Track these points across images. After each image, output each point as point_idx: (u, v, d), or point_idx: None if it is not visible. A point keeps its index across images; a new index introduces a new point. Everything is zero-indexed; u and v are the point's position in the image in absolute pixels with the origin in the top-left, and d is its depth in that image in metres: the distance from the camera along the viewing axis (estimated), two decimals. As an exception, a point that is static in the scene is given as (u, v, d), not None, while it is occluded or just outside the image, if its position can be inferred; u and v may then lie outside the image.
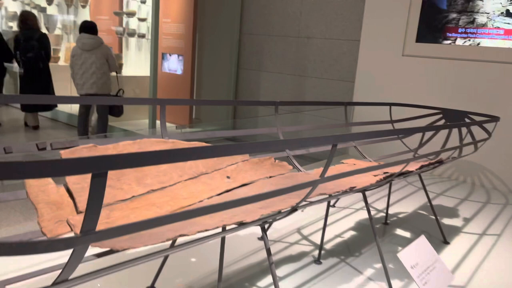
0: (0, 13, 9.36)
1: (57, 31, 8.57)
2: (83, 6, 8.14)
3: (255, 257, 2.43)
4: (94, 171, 0.74)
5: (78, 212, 1.48)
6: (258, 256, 2.45)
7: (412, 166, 2.48)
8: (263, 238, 1.64)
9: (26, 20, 5.90)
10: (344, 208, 3.34)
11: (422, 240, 1.73)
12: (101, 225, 1.49)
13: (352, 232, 2.90)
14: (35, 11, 8.04)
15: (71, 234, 1.36)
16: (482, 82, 4.33)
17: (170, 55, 6.53)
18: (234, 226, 1.56)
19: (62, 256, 2.06)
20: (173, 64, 6.51)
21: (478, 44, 4.38)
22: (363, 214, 3.24)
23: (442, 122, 3.24)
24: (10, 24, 9.07)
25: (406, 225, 3.12)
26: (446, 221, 3.24)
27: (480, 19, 4.35)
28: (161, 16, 5.98)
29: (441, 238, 2.86)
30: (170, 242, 1.85)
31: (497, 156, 4.25)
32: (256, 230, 2.70)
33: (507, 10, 4.20)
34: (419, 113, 3.31)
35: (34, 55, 5.59)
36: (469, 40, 4.42)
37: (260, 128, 2.67)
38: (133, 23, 7.22)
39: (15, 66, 6.75)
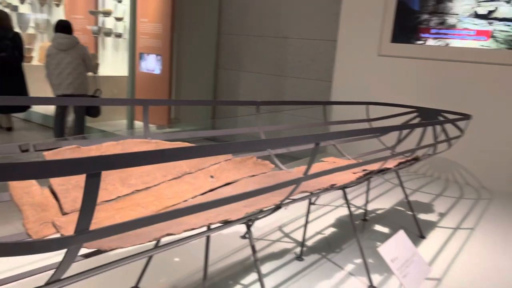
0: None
1: (30, 30, 8.38)
2: (57, 5, 7.99)
3: (238, 255, 2.45)
4: (89, 171, 0.76)
5: (63, 213, 1.48)
6: (241, 254, 2.47)
7: (390, 164, 2.56)
8: (249, 235, 1.67)
9: (-1, 19, 5.75)
10: (324, 206, 3.40)
11: (401, 234, 1.80)
12: (87, 226, 1.49)
13: (332, 229, 2.97)
14: (7, 10, 7.85)
15: (58, 236, 1.36)
16: (454, 81, 4.46)
17: (147, 54, 6.48)
18: (219, 224, 1.59)
19: (48, 258, 2.04)
20: (151, 64, 6.47)
21: (447, 44, 4.52)
22: (343, 211, 3.31)
23: (417, 120, 3.34)
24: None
25: (384, 221, 3.20)
26: (422, 216, 3.34)
27: (450, 20, 4.49)
28: (138, 16, 5.93)
29: (417, 233, 2.95)
30: (154, 242, 1.87)
31: (469, 153, 4.40)
32: (239, 229, 2.73)
33: (475, 12, 4.36)
34: (395, 111, 3.40)
35: (7, 55, 5.46)
36: (439, 40, 4.56)
37: (240, 127, 2.70)
38: (109, 23, 7.13)
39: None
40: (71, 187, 1.55)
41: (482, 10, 4.32)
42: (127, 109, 5.62)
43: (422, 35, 4.66)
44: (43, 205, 1.46)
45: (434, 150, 2.98)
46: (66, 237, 0.80)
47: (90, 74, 5.28)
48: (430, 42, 4.60)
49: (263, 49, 6.02)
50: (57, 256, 1.89)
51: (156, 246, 1.80)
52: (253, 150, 2.37)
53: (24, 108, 6.18)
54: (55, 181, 1.53)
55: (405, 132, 3.37)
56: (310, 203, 2.61)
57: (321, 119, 3.40)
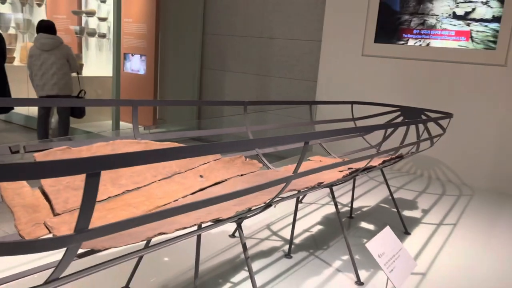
0: None
1: (11, 30, 8.25)
2: (39, 5, 7.88)
3: (228, 254, 2.48)
4: (89, 171, 0.77)
5: (55, 214, 1.49)
6: (230, 253, 2.50)
7: (375, 162, 2.61)
8: (239, 233, 1.70)
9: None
10: (310, 204, 3.45)
11: (387, 230, 1.85)
12: (79, 227, 1.50)
13: (319, 227, 3.01)
14: (-14, 10, 7.71)
15: (50, 236, 1.37)
16: (435, 80, 4.57)
17: (132, 55, 6.45)
18: (210, 223, 1.61)
19: (40, 258, 2.04)
20: (136, 64, 6.44)
21: (428, 44, 4.62)
22: (329, 209, 3.36)
23: (400, 119, 3.41)
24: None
25: (370, 218, 3.26)
26: (406, 213, 3.41)
27: (430, 20, 4.60)
28: (123, 16, 5.90)
29: (402, 229, 3.01)
30: (145, 242, 1.88)
31: (450, 151, 4.50)
32: (227, 228, 2.75)
33: (454, 12, 4.46)
34: (378, 110, 3.46)
35: (-12, 56, 5.37)
36: (420, 40, 4.65)
37: (226, 127, 2.73)
38: (92, 23, 7.07)
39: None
40: (62, 188, 1.56)
41: (460, 11, 4.43)
42: (112, 110, 5.59)
43: (404, 35, 4.75)
44: (35, 206, 1.47)
45: (417, 148, 3.06)
46: (66, 236, 0.82)
47: (74, 74, 5.23)
48: (412, 42, 4.69)
49: (248, 49, 6.05)
50: (49, 256, 1.89)
51: (147, 246, 1.81)
52: (243, 150, 2.40)
53: (7, 110, 6.08)
54: (46, 182, 1.54)
55: (389, 130, 3.44)
56: (298, 201, 2.65)
57: (305, 118, 3.45)
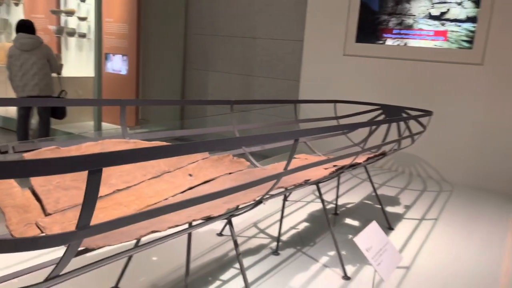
0: None
1: (-13, 30, 8.06)
2: (16, 4, 7.72)
3: (216, 252, 2.50)
4: (91, 168, 0.79)
5: (46, 214, 1.48)
6: (219, 251, 2.52)
7: (360, 159, 2.67)
8: (230, 230, 1.72)
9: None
10: (295, 202, 3.49)
11: (374, 225, 1.90)
12: (71, 226, 1.51)
13: (305, 224, 3.05)
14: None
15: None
16: (414, 79, 4.67)
17: (113, 55, 6.39)
18: (201, 221, 1.63)
19: (33, 258, 2.02)
20: (117, 64, 6.38)
21: (405, 44, 4.73)
22: (314, 206, 3.41)
23: (382, 117, 3.48)
24: None
25: (354, 214, 3.32)
26: (389, 209, 3.49)
27: (407, 21, 4.70)
28: (103, 16, 5.83)
29: (386, 225, 3.08)
30: (135, 241, 1.88)
31: (430, 148, 4.61)
32: (215, 227, 2.77)
33: (429, 13, 4.58)
34: (361, 109, 3.52)
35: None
36: (400, 40, 4.75)
37: (210, 127, 2.74)
38: (72, 22, 6.96)
39: None
40: (53, 188, 1.55)
41: (435, 12, 4.55)
42: (94, 110, 5.52)
43: (385, 35, 4.84)
44: (25, 206, 1.46)
45: (399, 146, 3.13)
46: (68, 233, 0.83)
47: (54, 75, 5.15)
48: (392, 42, 4.78)
49: (231, 49, 6.06)
50: (42, 256, 1.87)
51: (137, 245, 1.82)
52: (235, 147, 2.42)
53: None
54: (36, 182, 1.53)
55: (372, 128, 3.51)
56: (285, 199, 2.68)
57: (288, 117, 3.48)
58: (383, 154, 2.94)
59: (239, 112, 5.90)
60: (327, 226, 3.00)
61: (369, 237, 1.80)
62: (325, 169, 2.47)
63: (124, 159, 0.83)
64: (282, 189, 2.13)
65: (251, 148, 2.62)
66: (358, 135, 3.38)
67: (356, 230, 2.99)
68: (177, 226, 1.50)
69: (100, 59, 5.39)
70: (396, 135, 3.25)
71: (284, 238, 2.77)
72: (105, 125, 5.66)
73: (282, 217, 2.60)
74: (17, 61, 4.65)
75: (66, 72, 6.64)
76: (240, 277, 2.22)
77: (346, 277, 2.31)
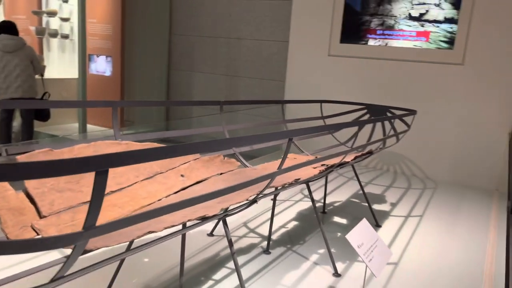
0: None
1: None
2: (-5, 4, 7.59)
3: (208, 252, 2.51)
4: (98, 168, 0.80)
5: (41, 216, 1.48)
6: (210, 251, 2.53)
7: (348, 157, 2.71)
8: (224, 229, 1.74)
9: None
10: (284, 201, 3.52)
11: (364, 222, 1.94)
12: (67, 228, 1.51)
13: (295, 222, 3.09)
14: None
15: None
16: (397, 78, 4.76)
17: (97, 56, 6.33)
18: (197, 221, 1.64)
19: (28, 259, 2.00)
20: (101, 66, 6.32)
21: (386, 44, 4.82)
22: (302, 205, 3.45)
23: (366, 116, 3.54)
24: None
25: (342, 212, 3.37)
26: (376, 206, 3.55)
27: (389, 21, 4.79)
28: (86, 16, 5.78)
29: (373, 222, 3.14)
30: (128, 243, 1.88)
31: (414, 146, 4.71)
32: (205, 227, 2.78)
33: (409, 14, 4.68)
34: (346, 108, 3.58)
35: None
36: (383, 41, 4.84)
37: (196, 128, 2.76)
38: (54, 23, 6.88)
39: None
40: (47, 190, 1.55)
41: (415, 13, 4.65)
42: (78, 112, 5.46)
43: (369, 36, 4.91)
44: (20, 209, 1.45)
45: (384, 144, 3.19)
46: (75, 233, 0.84)
47: (37, 76, 5.09)
48: (375, 42, 4.87)
49: (216, 50, 6.07)
50: (38, 257, 1.86)
51: (128, 249, 1.82)
52: (229, 147, 2.43)
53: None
54: (30, 185, 1.52)
55: (359, 128, 3.56)
56: (276, 198, 2.71)
57: (273, 117, 3.52)
58: (370, 153, 3.00)
59: (226, 113, 5.92)
60: (316, 224, 3.05)
61: (360, 234, 1.84)
62: (314, 168, 2.52)
63: (130, 159, 0.84)
64: (273, 189, 2.16)
65: (241, 149, 2.64)
66: (343, 134, 3.44)
67: (344, 228, 3.04)
68: (173, 226, 1.52)
69: (84, 60, 5.34)
70: (381, 133, 3.31)
71: (274, 237, 2.80)
72: (89, 127, 5.61)
73: (272, 216, 2.63)
74: (0, 63, 4.58)
75: (49, 73, 6.56)
76: (233, 276, 2.24)
77: (336, 274, 2.35)
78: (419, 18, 4.63)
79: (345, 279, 2.31)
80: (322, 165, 2.54)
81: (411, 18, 4.67)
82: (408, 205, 3.68)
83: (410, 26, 4.67)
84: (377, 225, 3.13)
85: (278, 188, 2.20)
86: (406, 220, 3.30)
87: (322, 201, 3.41)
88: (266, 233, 2.79)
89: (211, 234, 2.75)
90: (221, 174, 2.28)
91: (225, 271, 2.30)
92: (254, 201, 1.78)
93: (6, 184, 1.47)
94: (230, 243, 1.75)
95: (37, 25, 6.85)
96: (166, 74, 6.45)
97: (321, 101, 3.65)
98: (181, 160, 2.19)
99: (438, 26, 4.54)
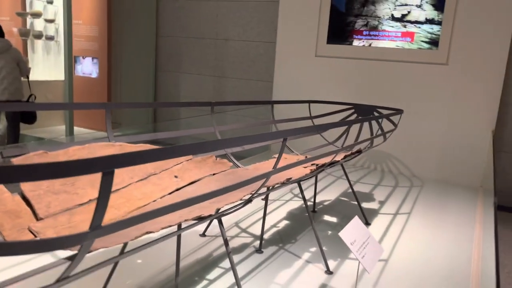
0: None
1: None
2: (-22, 6, 7.46)
3: (201, 253, 2.52)
4: (105, 169, 0.81)
5: (38, 219, 1.48)
6: (203, 251, 2.55)
7: (337, 157, 2.75)
8: (220, 229, 1.76)
9: None
10: (274, 200, 3.56)
11: (356, 220, 1.98)
12: (64, 230, 1.52)
13: (286, 221, 3.12)
14: None
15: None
16: (383, 78, 4.83)
17: (83, 58, 6.28)
18: (193, 221, 1.66)
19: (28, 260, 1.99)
20: (87, 68, 6.28)
21: (370, 45, 4.89)
22: (293, 204, 3.48)
23: (354, 116, 3.59)
24: None
25: (332, 211, 3.42)
26: (365, 204, 3.60)
27: (372, 22, 4.87)
28: (72, 18, 5.73)
29: (363, 220, 3.19)
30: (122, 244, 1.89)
31: (400, 145, 4.78)
32: (197, 228, 2.79)
33: (392, 15, 4.76)
34: (334, 108, 3.62)
35: None
36: (369, 41, 4.91)
37: (185, 129, 2.78)
38: (39, 25, 6.80)
39: None
40: (43, 193, 1.55)
41: (397, 14, 4.74)
42: (65, 114, 5.42)
43: (356, 36, 4.98)
44: (17, 211, 1.45)
45: (372, 143, 3.25)
46: (82, 233, 0.85)
47: (23, 79, 5.03)
48: (360, 43, 4.94)
49: (203, 51, 6.08)
50: (30, 260, 1.85)
51: (122, 252, 1.83)
52: (224, 148, 2.45)
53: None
54: (26, 187, 1.52)
55: (348, 127, 3.61)
56: (267, 198, 2.74)
57: (262, 117, 3.54)
58: (359, 152, 3.04)
59: (215, 114, 5.93)
60: (306, 223, 3.08)
61: (353, 231, 1.88)
62: (305, 167, 2.55)
63: (136, 160, 0.86)
64: (266, 188, 2.18)
65: (233, 149, 2.66)
66: (331, 134, 3.48)
67: (334, 227, 3.09)
68: (170, 226, 1.53)
69: (70, 62, 5.30)
70: (368, 132, 3.37)
71: (266, 236, 2.83)
72: (76, 129, 5.57)
73: (265, 215, 2.65)
74: (-15, 65, 4.53)
75: (34, 75, 6.49)
76: (227, 276, 2.26)
77: (328, 272, 2.39)
78: (401, 19, 4.71)
79: (337, 276, 2.35)
80: (313, 164, 2.57)
81: (393, 19, 4.75)
82: (396, 203, 3.74)
83: (392, 27, 4.76)
84: (367, 223, 3.18)
85: (271, 187, 2.23)
86: (395, 218, 3.37)
87: (312, 200, 3.45)
88: (258, 233, 2.81)
89: (203, 234, 2.76)
90: (214, 174, 2.30)
91: (219, 270, 2.32)
92: (249, 200, 1.80)
93: (2, 187, 1.47)
94: (226, 243, 1.77)
95: (22, 26, 6.77)
96: (153, 75, 6.43)
97: (309, 101, 3.69)
98: (174, 161, 2.20)
99: (419, 27, 4.63)
